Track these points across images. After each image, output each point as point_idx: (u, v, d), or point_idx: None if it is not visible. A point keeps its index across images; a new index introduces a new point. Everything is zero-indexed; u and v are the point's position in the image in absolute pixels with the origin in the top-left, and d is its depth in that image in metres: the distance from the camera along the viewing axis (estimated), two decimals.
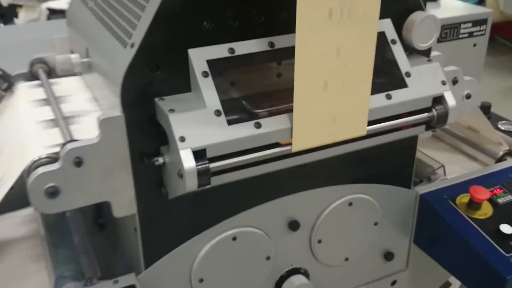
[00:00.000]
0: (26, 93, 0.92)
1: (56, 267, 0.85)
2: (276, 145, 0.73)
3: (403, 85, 0.81)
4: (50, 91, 0.90)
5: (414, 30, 0.83)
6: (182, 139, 0.67)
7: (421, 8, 0.86)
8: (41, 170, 0.69)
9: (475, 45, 1.58)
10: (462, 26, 1.54)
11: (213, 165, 0.69)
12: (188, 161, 0.66)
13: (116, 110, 0.71)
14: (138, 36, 0.69)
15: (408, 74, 0.82)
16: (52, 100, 0.87)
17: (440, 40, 1.51)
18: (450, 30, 1.52)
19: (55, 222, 0.96)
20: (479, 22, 1.57)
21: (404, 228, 1.06)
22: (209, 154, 0.68)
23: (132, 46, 0.69)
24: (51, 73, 1.02)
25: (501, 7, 4.24)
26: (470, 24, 1.55)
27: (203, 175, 0.68)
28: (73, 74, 1.00)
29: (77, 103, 0.87)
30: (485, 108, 1.32)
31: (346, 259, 1.01)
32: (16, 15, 4.19)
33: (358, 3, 0.67)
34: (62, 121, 0.79)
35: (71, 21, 1.02)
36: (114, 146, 0.72)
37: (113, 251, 0.97)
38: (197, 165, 0.67)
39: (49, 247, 0.90)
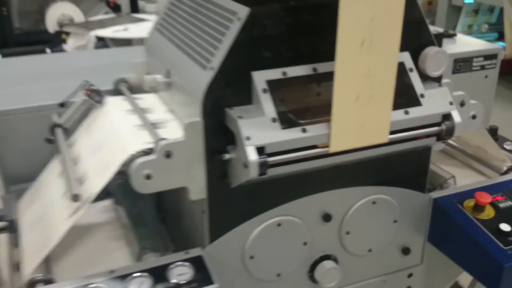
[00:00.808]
0: (115, 104, 1.16)
1: (139, 241, 1.07)
2: (316, 147, 0.95)
3: (418, 104, 1.02)
4: (134, 104, 1.14)
5: (427, 61, 1.05)
6: (248, 138, 0.89)
7: (433, 44, 1.08)
8: (141, 159, 0.92)
9: (486, 77, 1.79)
10: (475, 60, 1.75)
11: (270, 159, 0.91)
12: (252, 155, 0.88)
13: (196, 117, 0.94)
14: (216, 61, 0.92)
15: (422, 96, 1.03)
16: (138, 110, 1.11)
17: (454, 71, 1.72)
18: (463, 63, 1.73)
19: (133, 210, 1.19)
20: (490, 56, 1.78)
21: (419, 227, 1.25)
22: (267, 151, 0.90)
23: (212, 69, 0.93)
24: (131, 90, 1.26)
25: None
26: (482, 58, 1.76)
27: (262, 166, 0.90)
28: (146, 92, 1.24)
29: (158, 113, 1.10)
30: (493, 131, 1.51)
31: (370, 250, 1.21)
32: (61, 42, 4.51)
33: (383, 36, 0.89)
34: (150, 125, 1.02)
35: (150, 49, 1.27)
36: (194, 144, 0.95)
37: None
38: (259, 158, 0.89)
39: (132, 227, 1.13)
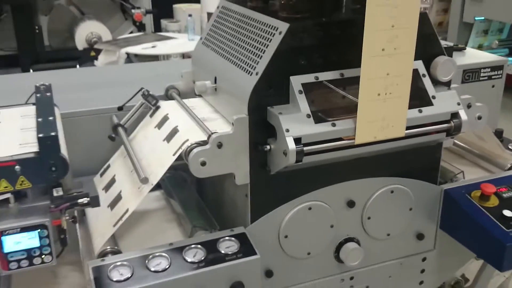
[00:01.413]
0: (169, 107, 1.36)
1: (191, 221, 1.25)
2: (341, 140, 1.13)
3: (430, 104, 1.20)
4: (186, 106, 1.33)
5: (438, 68, 1.23)
6: (287, 130, 1.08)
7: (443, 53, 1.26)
8: (198, 149, 1.11)
9: (493, 86, 1.96)
10: (482, 70, 1.92)
11: (305, 148, 1.09)
12: (291, 144, 1.07)
13: (243, 114, 1.13)
14: (260, 68, 1.11)
15: (433, 97, 1.21)
16: (189, 111, 1.30)
17: (464, 81, 1.90)
18: (472, 73, 1.90)
19: (182, 197, 1.37)
20: (496, 67, 1.95)
21: (432, 215, 1.42)
22: (303, 141, 1.09)
23: (256, 74, 1.12)
24: (180, 95, 1.46)
25: None
26: (489, 69, 1.94)
27: (299, 154, 1.08)
28: (193, 97, 1.43)
29: (206, 113, 1.29)
30: (499, 133, 1.67)
31: (388, 235, 1.38)
32: (90, 58, 4.76)
33: (401, 44, 1.07)
34: (201, 122, 1.21)
35: (196, 60, 1.46)
36: (241, 137, 1.13)
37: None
38: (296, 147, 1.07)
39: (183, 210, 1.31)
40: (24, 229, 1.00)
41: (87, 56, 4.96)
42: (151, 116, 1.39)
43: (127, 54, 3.91)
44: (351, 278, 1.39)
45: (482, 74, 1.93)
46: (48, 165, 1.03)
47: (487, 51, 5.13)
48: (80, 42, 5.14)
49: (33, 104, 1.31)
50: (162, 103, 1.39)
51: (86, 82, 1.77)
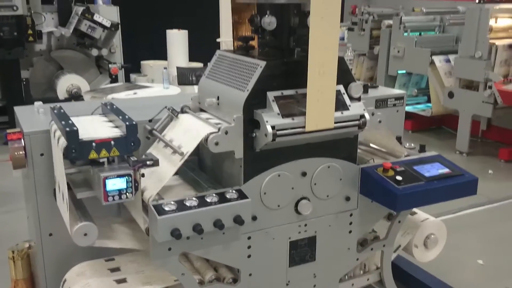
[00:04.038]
0: (186, 116, 2.13)
1: (203, 184, 2.00)
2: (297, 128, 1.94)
3: (347, 109, 2.03)
4: (198, 115, 2.11)
5: (352, 89, 2.07)
6: (267, 122, 1.87)
7: (354, 81, 2.11)
8: (213, 134, 1.88)
9: (397, 111, 2.85)
10: (389, 100, 2.81)
11: (277, 132, 1.88)
12: (269, 129, 1.86)
13: (239, 114, 1.91)
14: (249, 87, 1.92)
15: (349, 105, 2.05)
16: (201, 117, 2.07)
17: (376, 107, 2.78)
18: (382, 102, 2.79)
19: (194, 172, 2.12)
20: (399, 98, 2.85)
21: (354, 184, 2.22)
22: (276, 128, 1.88)
23: (247, 91, 1.92)
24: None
25: (441, 102, 5.65)
26: (394, 99, 2.83)
27: (274, 135, 1.87)
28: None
29: (212, 118, 2.07)
30: (398, 138, 2.54)
31: (327, 196, 2.17)
32: None
33: (328, 73, 1.90)
34: (211, 122, 1.99)
35: (201, 88, 2.25)
36: (238, 128, 1.91)
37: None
38: (272, 131, 1.86)
39: (196, 179, 2.05)
40: (119, 176, 1.71)
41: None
42: (173, 123, 2.15)
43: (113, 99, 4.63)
44: (305, 225, 2.16)
45: (389, 102, 2.82)
46: (130, 141, 1.76)
47: (409, 99, 6.22)
48: (61, 93, 5.82)
49: (101, 114, 2.05)
50: (180, 115, 2.16)
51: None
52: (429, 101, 6.20)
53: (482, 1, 5.34)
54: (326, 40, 1.87)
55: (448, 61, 5.74)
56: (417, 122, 6.32)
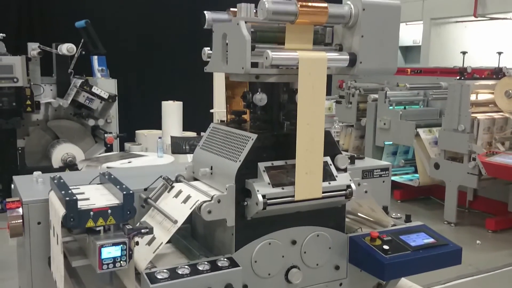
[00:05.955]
0: (180, 185, 2.21)
1: (195, 252, 2.05)
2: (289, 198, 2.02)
3: (335, 180, 2.13)
4: (192, 184, 2.20)
5: (338, 160, 2.19)
6: (258, 191, 1.96)
7: (341, 153, 2.23)
8: (206, 203, 1.96)
9: (383, 181, 2.95)
10: (375, 171, 2.93)
11: (268, 201, 1.96)
12: (260, 198, 1.95)
13: (232, 183, 2.00)
14: (241, 158, 2.02)
15: (336, 176, 2.15)
16: (194, 186, 2.16)
17: (363, 177, 2.88)
18: (368, 172, 2.90)
19: (186, 241, 2.18)
20: (384, 169, 2.96)
21: (343, 253, 2.28)
22: (266, 197, 1.97)
23: (239, 161, 2.02)
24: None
25: (428, 173, 5.79)
26: (380, 170, 2.94)
27: (265, 203, 1.95)
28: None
29: (204, 188, 2.15)
30: (385, 208, 2.62)
31: (317, 265, 2.22)
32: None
33: (315, 147, 2.02)
34: (203, 191, 2.07)
35: (196, 158, 2.35)
36: (230, 196, 2.00)
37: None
38: (263, 200, 1.95)
39: (188, 247, 2.11)
40: (114, 244, 1.77)
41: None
42: (168, 192, 2.23)
43: (108, 167, 4.71)
44: None
45: (375, 173, 2.93)
46: (127, 210, 1.84)
47: (396, 169, 6.36)
48: (56, 161, 5.90)
49: (99, 183, 2.13)
50: (175, 184, 2.24)
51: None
52: (416, 171, 6.33)
53: (462, 78, 5.62)
54: (313, 117, 2.00)
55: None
56: (406, 192, 6.43)
